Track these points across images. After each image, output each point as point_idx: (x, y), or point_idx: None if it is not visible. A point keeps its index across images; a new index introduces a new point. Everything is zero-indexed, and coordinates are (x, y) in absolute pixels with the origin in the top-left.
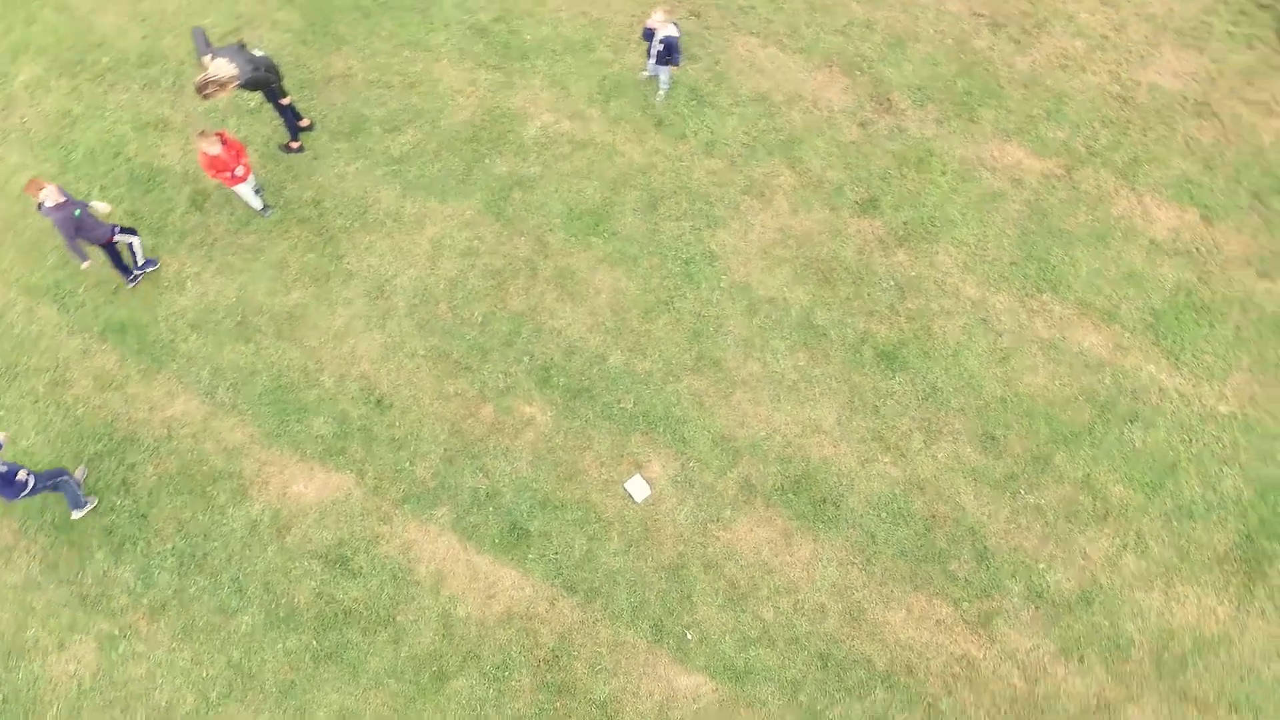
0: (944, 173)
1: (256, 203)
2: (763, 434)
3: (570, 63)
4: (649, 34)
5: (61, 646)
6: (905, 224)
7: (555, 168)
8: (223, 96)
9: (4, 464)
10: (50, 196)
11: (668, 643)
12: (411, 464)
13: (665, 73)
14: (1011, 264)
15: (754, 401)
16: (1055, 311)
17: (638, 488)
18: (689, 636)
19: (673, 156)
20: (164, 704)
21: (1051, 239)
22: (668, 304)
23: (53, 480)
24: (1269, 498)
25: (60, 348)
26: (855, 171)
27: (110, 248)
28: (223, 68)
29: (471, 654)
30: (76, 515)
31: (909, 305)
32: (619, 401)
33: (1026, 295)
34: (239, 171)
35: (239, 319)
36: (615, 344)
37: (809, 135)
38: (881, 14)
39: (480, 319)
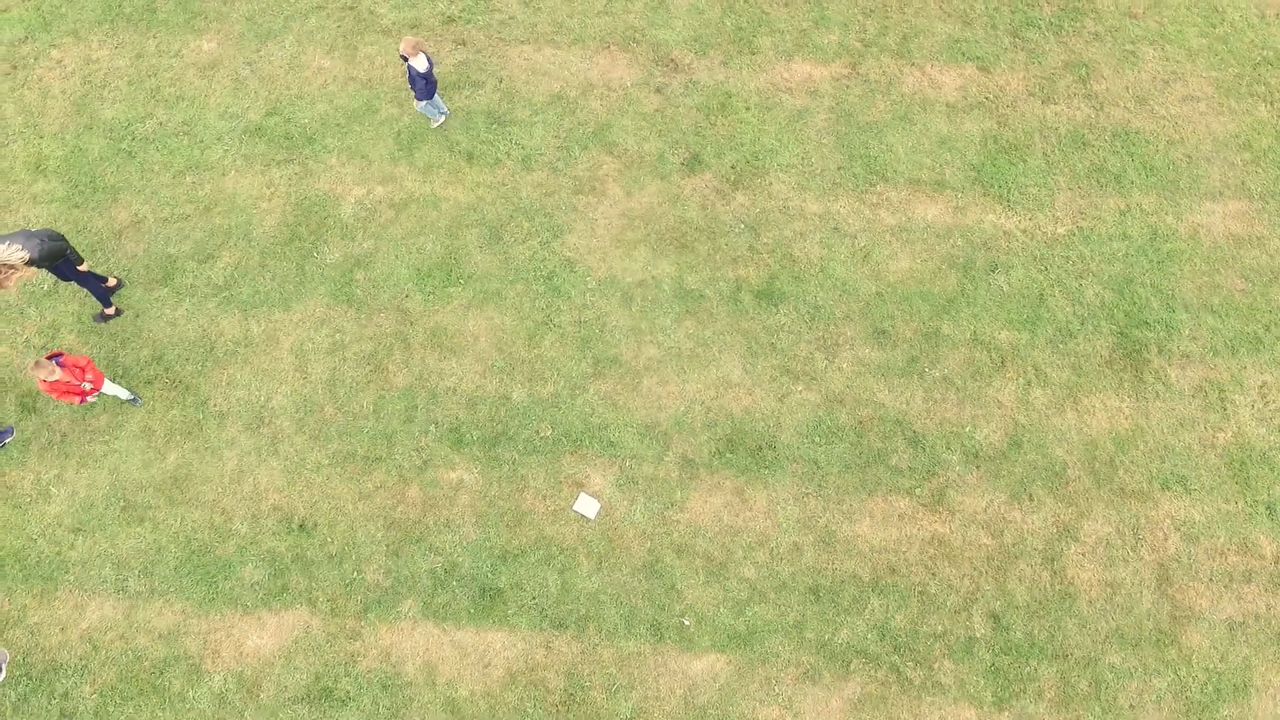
0: (748, 109)
1: (125, 395)
2: (682, 409)
3: (359, 131)
4: (420, 82)
5: None
6: (732, 168)
7: (386, 235)
8: (15, 280)
9: None
10: None
11: (669, 638)
12: (359, 572)
13: (421, 104)
14: (839, 169)
15: (662, 382)
16: (892, 198)
17: (587, 506)
18: (686, 623)
19: (495, 184)
20: None
21: (864, 134)
22: (547, 323)
23: None
24: (1125, 293)
25: None
26: (669, 137)
27: None
28: (10, 250)
29: None
30: None
31: (765, 241)
32: (537, 432)
33: (862, 193)
34: (88, 386)
35: (123, 503)
36: (512, 380)
37: (614, 118)
38: None
39: (372, 407)
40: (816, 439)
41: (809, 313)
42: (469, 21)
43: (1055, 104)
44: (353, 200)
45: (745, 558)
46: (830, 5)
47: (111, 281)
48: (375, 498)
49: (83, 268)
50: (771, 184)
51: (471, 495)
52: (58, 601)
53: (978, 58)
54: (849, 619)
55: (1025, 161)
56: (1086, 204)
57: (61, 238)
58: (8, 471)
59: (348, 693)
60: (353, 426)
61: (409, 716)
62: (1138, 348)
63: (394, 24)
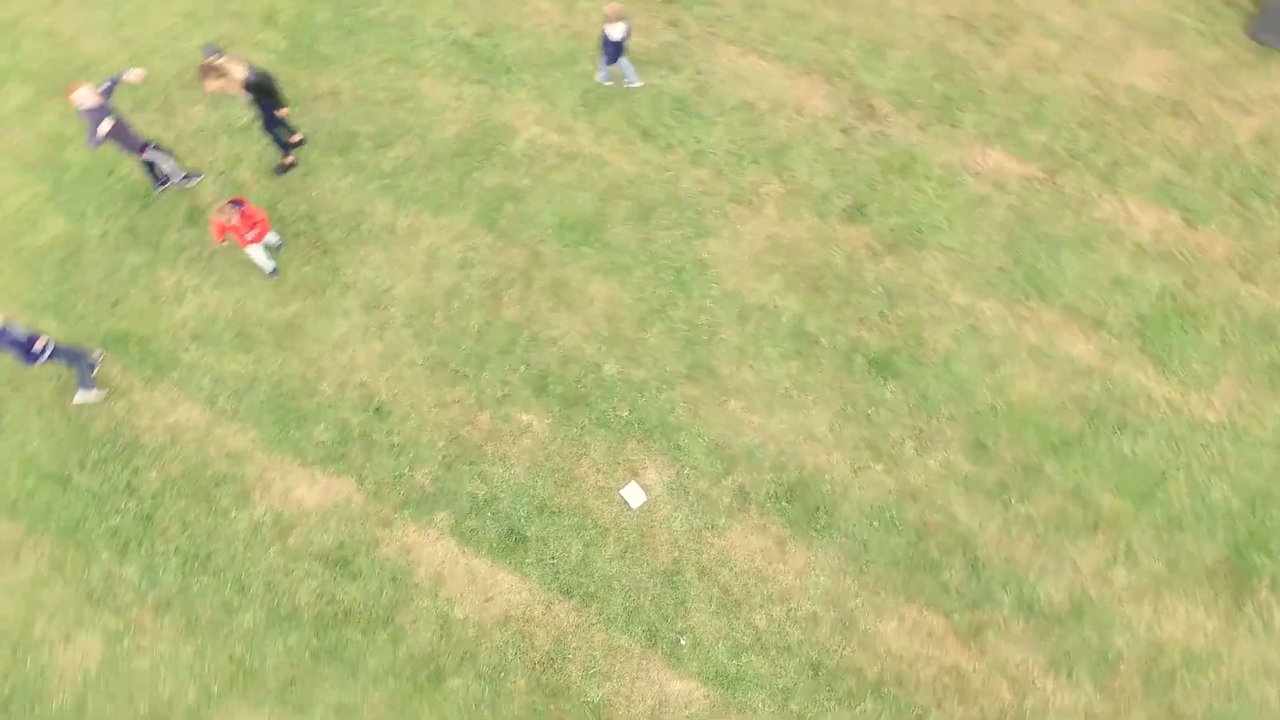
0: (929, 178)
1: (268, 266)
2: (757, 442)
3: (556, 76)
4: (609, 46)
5: (68, 640)
6: (892, 230)
7: (546, 179)
8: (221, 85)
9: (24, 332)
10: (84, 99)
11: (661, 648)
12: (410, 470)
13: (603, 74)
14: (999, 269)
15: (748, 409)
16: (1043, 318)
17: (633, 494)
18: (682, 642)
19: (661, 166)
20: (167, 696)
21: (1038, 244)
22: (661, 313)
23: (70, 355)
24: (1257, 509)
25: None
26: (841, 178)
27: (143, 159)
28: (237, 61)
29: (468, 655)
30: (79, 399)
31: (899, 312)
32: (615, 409)
33: (1014, 301)
34: (249, 237)
35: (239, 330)
36: (610, 353)
37: (794, 143)
38: (856, 20)
39: (476, 328)
40: (876, 524)
41: (916, 399)
42: (688, 7)
43: (1254, 284)
44: (526, 138)
45: (762, 606)
46: (1050, 106)
47: (297, 136)
48: (450, 410)
49: (281, 113)
50: (926, 260)
51: (534, 442)
52: (158, 392)
53: (1187, 208)
54: (838, 709)
55: (1199, 332)
56: (1249, 400)
57: (274, 80)
58: (160, 269)
59: (360, 570)
60: (454, 339)
61: (404, 613)
62: (1248, 572)
63: None
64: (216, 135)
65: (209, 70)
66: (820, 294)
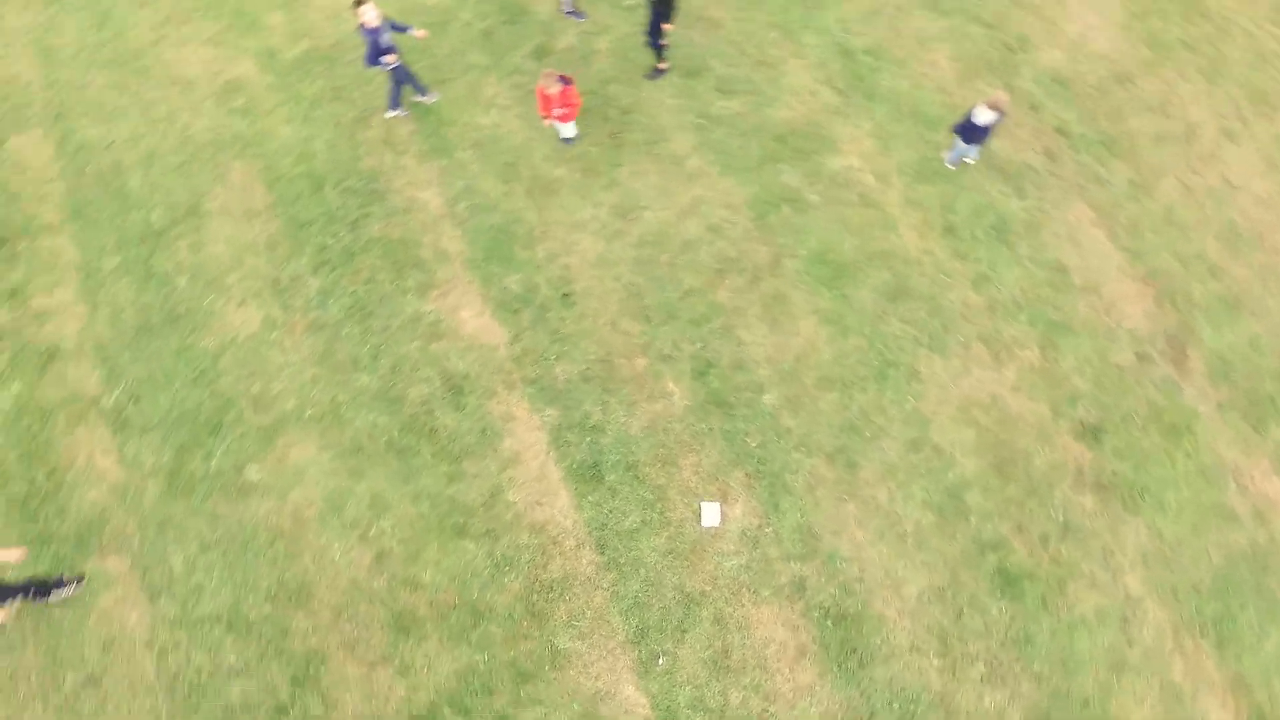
0: (1189, 457)
1: (566, 131)
2: (845, 554)
3: (906, 127)
4: (966, 127)
5: (241, 304)
6: (1114, 475)
7: (834, 209)
8: None
9: (388, 41)
10: (367, 16)
11: (641, 650)
12: (555, 360)
13: (974, 150)
14: (1193, 589)
15: (859, 522)
16: (1204, 668)
17: (710, 513)
18: (660, 661)
19: (942, 266)
20: (275, 392)
21: (1255, 597)
22: (846, 386)
23: (401, 77)
24: None
25: (377, 94)
26: (1101, 394)
27: (396, 77)
28: None
29: (493, 533)
30: (390, 115)
31: (1062, 549)
32: (747, 434)
33: (1186, 628)
34: (558, 113)
35: (510, 161)
36: (778, 386)
37: (1082, 332)
38: (1237, 267)
39: (686, 288)
40: (896, 705)
41: (1018, 634)
42: (1077, 150)
43: None
44: (844, 163)
45: (746, 688)
46: None
47: (663, 65)
48: (618, 337)
49: (666, 27)
50: (1126, 525)
51: (664, 411)
52: (423, 168)
53: None
54: None
55: None
56: None
57: None
58: (490, 75)
59: (465, 405)
60: (663, 283)
61: (471, 463)
62: None
63: (1008, 86)
64: (599, 4)
65: None
66: (1001, 476)
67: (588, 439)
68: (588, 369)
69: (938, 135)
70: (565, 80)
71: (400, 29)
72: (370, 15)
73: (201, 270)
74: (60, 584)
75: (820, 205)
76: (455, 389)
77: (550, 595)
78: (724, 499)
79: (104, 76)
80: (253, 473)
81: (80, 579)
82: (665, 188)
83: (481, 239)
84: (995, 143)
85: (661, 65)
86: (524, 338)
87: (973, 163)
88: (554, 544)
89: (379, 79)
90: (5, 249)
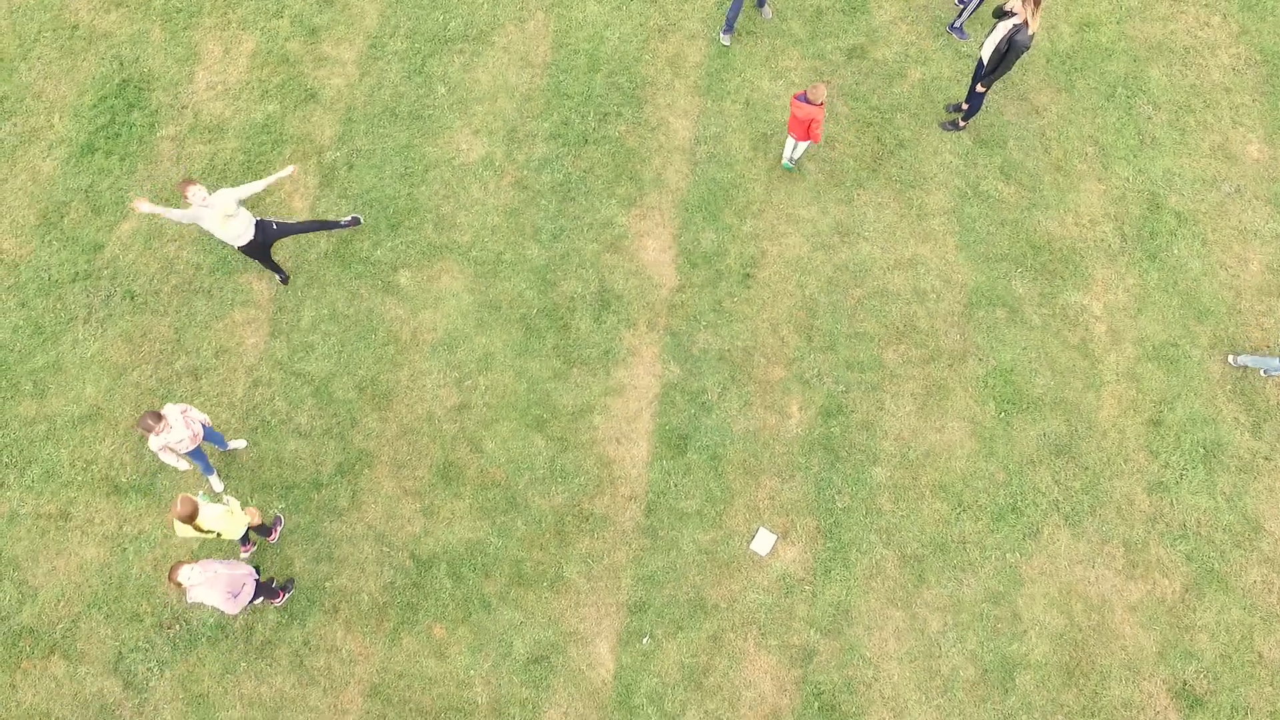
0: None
1: (794, 152)
2: (867, 653)
3: (1172, 304)
4: None
5: (475, 133)
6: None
7: (1046, 338)
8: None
9: None
10: None
11: (632, 621)
12: (705, 326)
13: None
14: None
15: (898, 634)
16: None
17: (764, 542)
18: (645, 641)
19: (1125, 450)
20: (458, 221)
21: None
22: (960, 505)
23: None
24: None
25: (690, 14)
26: (1224, 671)
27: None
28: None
29: (564, 441)
30: None
31: None
32: (839, 491)
33: None
34: (797, 132)
35: (767, 133)
36: (894, 468)
37: (1239, 597)
38: None
39: (859, 330)
40: None
41: None
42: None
43: None
44: (1081, 301)
45: (706, 714)
46: None
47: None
48: (769, 339)
49: (980, 88)
50: None
51: (772, 428)
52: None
53: None
54: None
55: None
56: None
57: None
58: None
59: (608, 311)
60: (841, 314)
61: (581, 371)
62: None
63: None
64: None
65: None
66: (1066, 679)
67: (692, 410)
68: (728, 350)
69: (1203, 328)
70: (820, 89)
71: None
72: None
73: (460, 87)
74: (273, 591)
75: (1036, 328)
76: (604, 303)
77: (582, 525)
78: (784, 535)
79: None
80: (403, 277)
81: (289, 586)
82: (895, 230)
83: (702, 186)
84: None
85: (961, 122)
86: (689, 291)
87: (1265, 376)
88: (610, 483)
89: (702, 1)
90: None
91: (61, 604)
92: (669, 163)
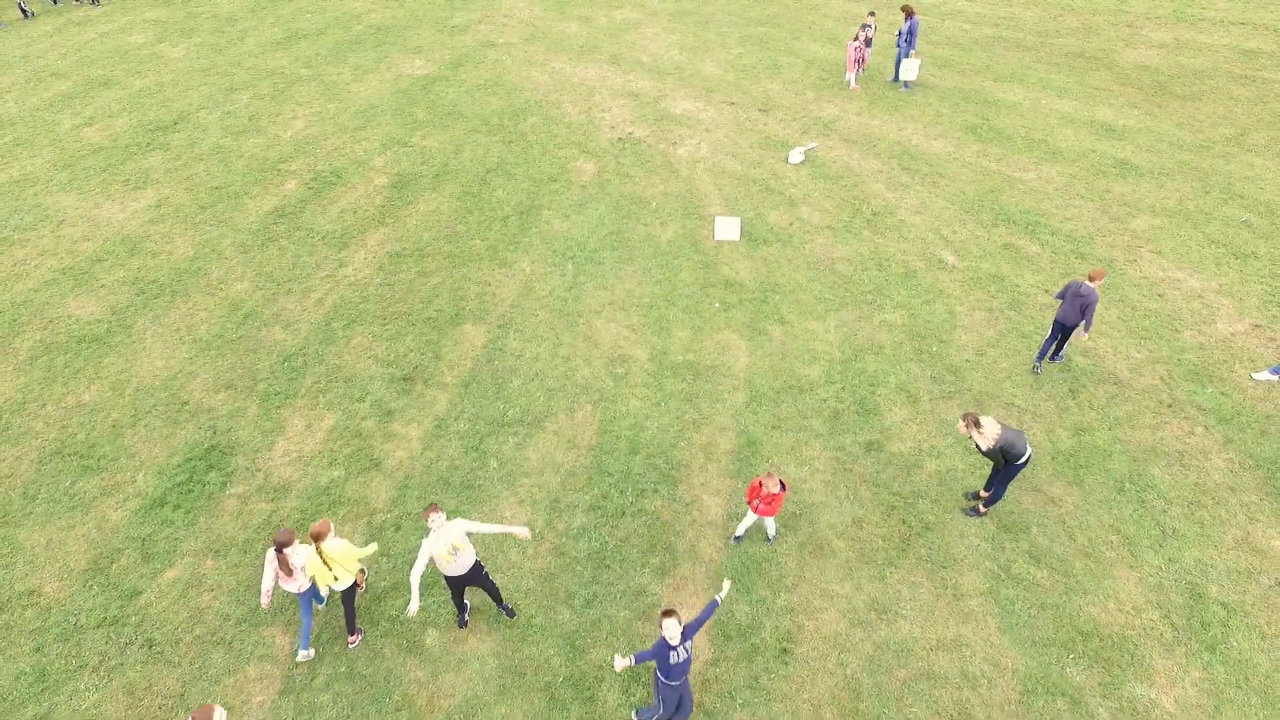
0: None
1: (771, 530)
2: None
3: (1251, 703)
4: None
5: (520, 503)
6: None
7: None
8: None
9: None
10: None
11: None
12: (740, 705)
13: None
14: None
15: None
16: None
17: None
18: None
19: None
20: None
21: None
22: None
23: None
24: None
25: (727, 428)
26: None
27: None
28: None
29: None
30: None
31: None
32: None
33: None
34: (758, 505)
35: (797, 513)
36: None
37: None
38: None
39: (910, 717)
40: None
41: None
42: None
43: None
44: (1149, 695)
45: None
46: None
47: (984, 510)
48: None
49: (984, 494)
50: None
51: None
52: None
53: None
54: None
55: None
56: None
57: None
58: None
59: (642, 671)
60: (888, 699)
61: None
62: None
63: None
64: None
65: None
66: None
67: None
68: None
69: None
70: (782, 486)
71: None
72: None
73: (510, 464)
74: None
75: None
76: (634, 674)
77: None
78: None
79: (546, 315)
80: (430, 637)
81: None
82: (933, 610)
83: (735, 561)
84: None
85: (982, 508)
86: (723, 666)
87: None
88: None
89: (732, 400)
90: (411, 382)
91: None
92: (702, 537)
